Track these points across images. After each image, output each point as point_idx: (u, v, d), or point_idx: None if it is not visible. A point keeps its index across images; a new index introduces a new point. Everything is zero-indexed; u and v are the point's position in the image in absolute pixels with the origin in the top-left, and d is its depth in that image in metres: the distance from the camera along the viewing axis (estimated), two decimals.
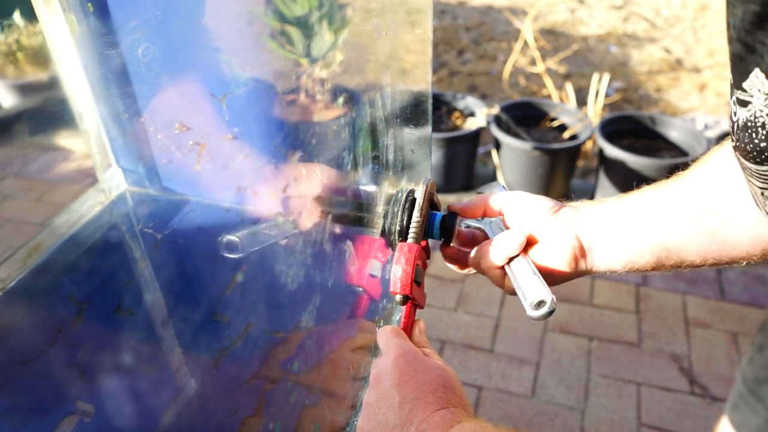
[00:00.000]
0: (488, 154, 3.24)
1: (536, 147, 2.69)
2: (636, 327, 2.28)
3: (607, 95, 3.47)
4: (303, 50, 0.86)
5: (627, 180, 2.66)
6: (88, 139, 0.97)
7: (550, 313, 0.67)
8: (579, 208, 0.74)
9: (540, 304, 0.68)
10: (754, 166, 0.50)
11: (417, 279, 0.72)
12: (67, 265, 0.93)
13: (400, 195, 0.79)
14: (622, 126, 2.89)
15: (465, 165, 2.93)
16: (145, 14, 0.78)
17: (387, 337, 0.68)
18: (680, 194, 0.70)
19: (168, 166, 0.98)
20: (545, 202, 0.74)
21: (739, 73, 0.46)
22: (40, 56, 0.87)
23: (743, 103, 0.48)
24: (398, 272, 0.71)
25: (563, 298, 2.37)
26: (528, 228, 0.74)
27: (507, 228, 0.77)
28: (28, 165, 0.90)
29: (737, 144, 0.51)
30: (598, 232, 0.72)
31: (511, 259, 0.73)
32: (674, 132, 2.87)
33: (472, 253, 0.78)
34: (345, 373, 0.90)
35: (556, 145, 2.75)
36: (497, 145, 2.86)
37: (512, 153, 2.79)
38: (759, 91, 0.45)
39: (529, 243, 0.74)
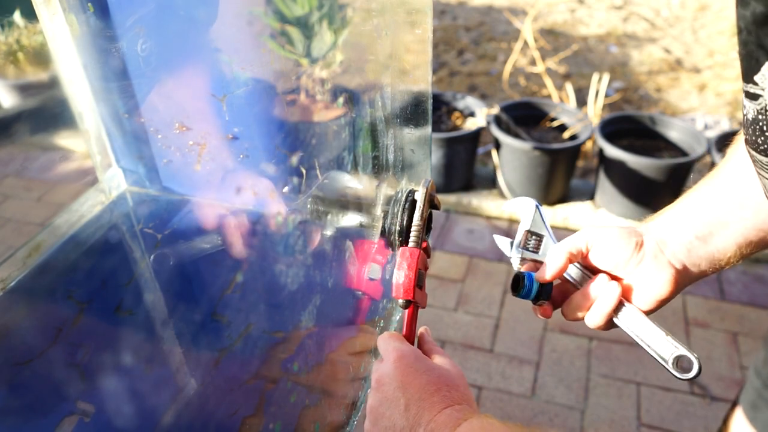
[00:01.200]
0: (488, 154, 3.24)
1: (536, 147, 2.69)
2: None
3: (607, 95, 3.47)
4: (303, 50, 0.86)
5: (627, 180, 2.66)
6: (88, 139, 0.97)
7: (699, 373, 0.69)
8: (659, 233, 0.72)
9: (680, 360, 0.69)
10: (765, 159, 0.50)
11: (419, 283, 0.73)
12: (68, 265, 0.93)
13: (400, 195, 0.79)
14: (622, 126, 2.89)
15: (465, 165, 2.93)
16: (145, 13, 0.78)
17: (386, 342, 0.69)
18: (729, 183, 0.70)
19: (168, 166, 0.98)
20: (627, 239, 0.72)
21: (751, 67, 0.47)
22: (40, 56, 0.87)
23: (753, 97, 0.48)
24: (401, 278, 0.71)
25: None
26: (620, 271, 0.72)
27: (590, 266, 0.74)
28: (28, 165, 0.90)
29: (748, 137, 0.52)
30: (687, 252, 0.71)
31: (616, 311, 0.72)
32: (674, 132, 2.87)
33: (564, 306, 0.76)
34: (345, 373, 0.89)
35: (556, 145, 2.75)
36: (497, 145, 2.86)
37: (512, 153, 2.79)
38: None
39: (627, 290, 0.73)
